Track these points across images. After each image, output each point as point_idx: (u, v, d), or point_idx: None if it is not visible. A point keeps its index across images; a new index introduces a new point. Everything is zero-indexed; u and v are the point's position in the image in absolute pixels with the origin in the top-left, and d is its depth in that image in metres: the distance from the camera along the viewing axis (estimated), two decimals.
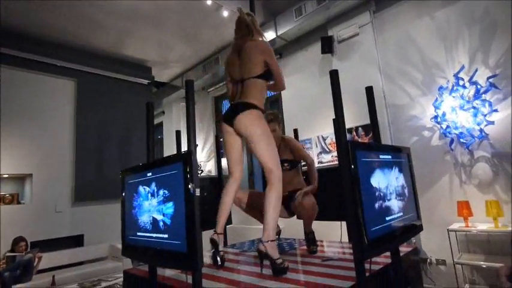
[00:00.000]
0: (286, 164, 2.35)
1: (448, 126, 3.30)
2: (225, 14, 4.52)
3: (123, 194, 1.85)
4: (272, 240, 1.67)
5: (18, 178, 4.74)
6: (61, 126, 4.95)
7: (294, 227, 3.08)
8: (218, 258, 1.86)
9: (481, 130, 3.08)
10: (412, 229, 1.68)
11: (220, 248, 1.94)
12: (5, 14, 4.16)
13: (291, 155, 2.41)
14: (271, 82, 2.01)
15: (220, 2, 4.32)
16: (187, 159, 1.36)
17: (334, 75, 1.49)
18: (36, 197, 4.56)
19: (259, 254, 1.68)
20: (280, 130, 2.50)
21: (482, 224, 3.01)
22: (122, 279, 2.86)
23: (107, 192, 4.89)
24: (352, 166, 1.29)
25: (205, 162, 6.48)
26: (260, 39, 1.96)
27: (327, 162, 4.43)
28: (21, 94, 4.62)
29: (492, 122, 3.03)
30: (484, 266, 2.85)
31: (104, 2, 4.14)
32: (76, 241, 4.82)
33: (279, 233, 2.79)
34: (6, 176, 4.54)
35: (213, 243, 1.85)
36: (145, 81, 6.00)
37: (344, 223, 2.45)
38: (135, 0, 4.16)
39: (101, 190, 4.94)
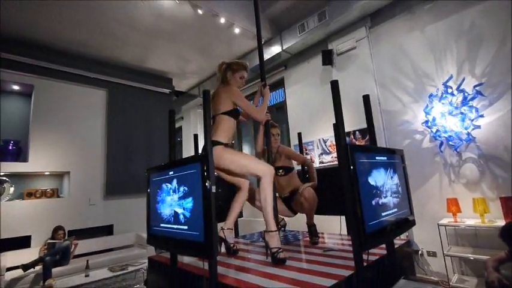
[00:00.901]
0: (281, 171, 2.38)
1: (438, 130, 3.24)
2: (237, 31, 4.55)
3: (148, 189, 1.87)
4: (271, 231, 1.69)
5: (57, 175, 4.85)
6: (94, 130, 5.05)
7: (298, 221, 3.07)
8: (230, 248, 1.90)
9: (468, 134, 3.01)
10: (406, 223, 1.65)
11: (232, 239, 1.96)
12: (42, 29, 4.28)
13: (286, 161, 2.43)
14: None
15: (232, 20, 4.34)
16: (204, 160, 1.37)
17: (334, 85, 1.48)
18: (73, 191, 4.66)
19: (265, 243, 1.71)
20: (278, 140, 2.50)
21: (469, 220, 2.94)
22: (146, 264, 2.90)
23: (133, 187, 4.98)
24: (352, 166, 1.28)
25: None
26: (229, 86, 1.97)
27: (328, 162, 4.40)
28: (59, 102, 4.74)
29: (478, 126, 2.96)
30: (472, 258, 2.78)
31: (130, 21, 4.21)
32: (107, 230, 4.90)
33: (284, 225, 2.78)
34: (48, 173, 4.66)
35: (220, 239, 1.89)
36: (167, 91, 6.07)
37: (343, 217, 2.42)
38: (156, 18, 4.22)
39: (128, 186, 5.02)
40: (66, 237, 4.04)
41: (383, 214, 1.43)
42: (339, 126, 1.45)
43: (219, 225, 1.68)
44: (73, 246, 3.93)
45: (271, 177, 1.76)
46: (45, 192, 4.54)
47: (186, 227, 1.43)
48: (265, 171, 1.75)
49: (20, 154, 4.53)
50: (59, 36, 4.44)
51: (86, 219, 4.66)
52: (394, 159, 1.73)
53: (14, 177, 4.38)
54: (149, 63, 5.57)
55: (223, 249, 2.00)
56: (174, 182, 1.56)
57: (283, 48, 4.78)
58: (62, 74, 4.77)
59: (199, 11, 4.04)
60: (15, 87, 4.65)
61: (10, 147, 4.44)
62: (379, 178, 1.47)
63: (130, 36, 4.59)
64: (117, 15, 4.09)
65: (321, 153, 4.51)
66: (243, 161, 1.80)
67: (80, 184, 4.72)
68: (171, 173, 1.60)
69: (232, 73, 2.03)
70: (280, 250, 1.66)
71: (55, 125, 4.63)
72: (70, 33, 4.39)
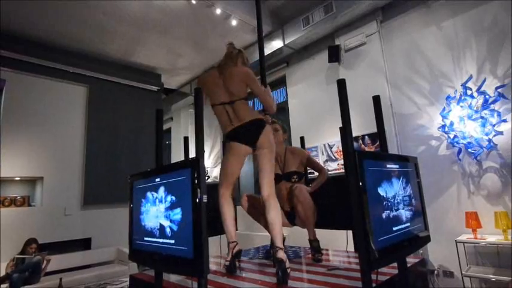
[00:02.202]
0: (295, 176, 2.35)
1: (455, 136, 3.25)
2: (234, 23, 4.58)
3: (131, 199, 1.86)
4: (281, 248, 1.71)
5: (29, 181, 4.82)
6: (72, 131, 5.03)
7: (300, 236, 3.05)
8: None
9: (489, 140, 3.03)
10: (420, 240, 1.64)
11: (226, 256, 1.94)
12: (17, 19, 4.28)
13: (301, 167, 2.40)
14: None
15: (228, 11, 4.38)
16: (195, 165, 1.36)
17: (341, 85, 1.49)
18: (46, 199, 4.62)
19: (278, 262, 1.65)
20: (285, 140, 2.51)
21: (491, 236, 2.94)
22: (128, 283, 2.86)
23: (115, 196, 4.94)
24: (359, 175, 1.28)
25: (212, 168, 6.49)
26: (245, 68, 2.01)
27: (333, 170, 4.40)
28: (34, 99, 4.73)
29: (501, 132, 2.98)
30: (494, 279, 2.77)
31: (115, 10, 4.23)
32: (84, 244, 4.85)
33: (283, 240, 2.76)
34: (18, 178, 4.62)
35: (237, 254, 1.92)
36: (155, 88, 6.08)
37: (350, 232, 2.41)
38: (146, 9, 4.24)
39: (109, 194, 4.98)
40: (38, 252, 3.99)
41: (394, 229, 1.43)
42: (346, 130, 1.45)
43: (212, 239, 1.67)
44: (45, 262, 3.89)
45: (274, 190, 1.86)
46: (15, 200, 4.50)
47: (173, 241, 1.42)
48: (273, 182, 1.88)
49: None
50: (34, 25, 4.45)
51: (61, 231, 4.62)
52: (407, 167, 1.73)
53: None
54: (136, 57, 5.58)
55: (214, 267, 1.98)
56: (161, 190, 1.55)
57: (286, 42, 4.82)
58: (37, 67, 4.76)
59: (193, 1, 4.07)
60: None
61: None
62: (390, 189, 1.48)
63: (116, 27, 4.60)
64: (102, 4, 4.10)
65: (326, 160, 4.51)
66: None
67: (54, 191, 4.68)
68: (157, 180, 1.60)
69: (244, 63, 2.05)
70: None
71: (28, 125, 4.61)
72: (48, 22, 4.40)
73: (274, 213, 1.78)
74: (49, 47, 4.90)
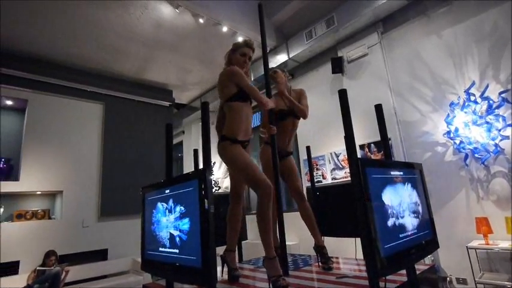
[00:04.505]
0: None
1: (461, 142, 3.18)
2: (240, 39, 4.65)
3: (143, 210, 1.87)
4: (270, 258, 1.64)
5: (50, 195, 4.91)
6: (89, 146, 5.14)
7: (310, 243, 3.00)
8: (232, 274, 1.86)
9: (496, 145, 2.95)
10: (428, 246, 1.59)
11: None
12: (37, 42, 4.47)
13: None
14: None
15: (235, 28, 4.46)
16: (202, 176, 1.37)
17: (342, 95, 1.49)
18: (65, 212, 4.69)
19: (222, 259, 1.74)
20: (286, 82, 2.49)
21: (504, 242, 2.82)
22: None
23: (130, 208, 4.97)
24: (363, 182, 1.26)
25: (223, 179, 6.49)
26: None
27: (341, 178, 4.34)
28: (53, 117, 4.86)
29: (507, 137, 2.90)
30: (509, 286, 2.64)
31: (127, 31, 4.37)
32: (101, 255, 4.87)
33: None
34: (40, 192, 4.72)
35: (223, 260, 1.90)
36: (167, 103, 6.19)
37: (359, 239, 2.36)
38: (156, 29, 4.37)
39: (124, 206, 5.03)
40: (57, 263, 4.03)
41: (401, 236, 1.39)
42: (349, 138, 1.44)
43: (219, 249, 1.66)
44: (64, 273, 3.91)
45: (271, 194, 1.70)
46: (36, 213, 4.58)
47: (182, 251, 1.42)
48: (266, 186, 1.68)
49: (10, 172, 4.62)
50: (54, 49, 4.63)
51: (79, 242, 4.66)
52: (412, 174, 1.69)
53: (4, 197, 4.45)
54: (148, 75, 5.72)
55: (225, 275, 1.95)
56: (170, 201, 1.56)
57: (290, 56, 4.86)
58: (57, 87, 4.92)
59: (201, 20, 4.18)
60: (8, 102, 4.82)
61: (1, 165, 4.55)
62: (395, 196, 1.44)
63: (129, 47, 4.75)
64: (115, 27, 4.26)
65: (333, 169, 4.46)
66: (244, 166, 1.73)
67: (73, 204, 4.76)
68: (167, 191, 1.61)
69: (233, 53, 2.00)
70: (282, 278, 1.60)
71: (48, 141, 4.74)
72: (66, 45, 4.57)
73: (262, 216, 1.70)
74: (67, 68, 5.08)
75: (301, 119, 2.46)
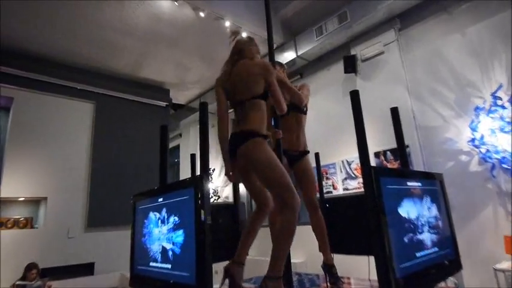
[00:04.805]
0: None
1: (488, 151, 3.15)
2: (244, 35, 4.69)
3: (134, 220, 1.87)
4: (278, 277, 1.48)
5: (33, 201, 4.93)
6: (78, 149, 5.16)
7: (318, 261, 2.97)
8: None
9: None
10: (449, 267, 1.56)
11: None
12: (24, 37, 4.53)
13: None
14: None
15: (238, 24, 4.50)
16: (198, 184, 1.36)
17: (355, 96, 1.48)
18: (49, 221, 4.70)
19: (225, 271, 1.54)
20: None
21: None
22: None
23: (120, 218, 4.94)
24: (376, 193, 1.25)
25: (223, 188, 6.48)
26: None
27: (353, 189, 4.31)
28: (40, 117, 4.90)
29: None
30: None
31: (123, 25, 4.42)
32: (87, 269, 4.86)
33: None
34: (22, 199, 4.74)
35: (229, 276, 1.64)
36: (163, 104, 6.22)
37: (373, 258, 2.33)
38: (154, 23, 4.41)
39: (114, 216, 5.01)
40: (39, 278, 4.02)
41: (418, 254, 1.36)
42: (361, 144, 1.43)
43: (216, 266, 1.62)
44: None
45: (298, 209, 1.56)
46: (18, 221, 4.60)
47: (174, 266, 1.41)
48: (294, 199, 1.54)
49: None
50: (42, 43, 4.70)
51: (63, 255, 4.66)
52: (431, 185, 1.67)
53: None
54: (144, 73, 5.77)
55: None
56: (163, 210, 1.55)
57: (298, 54, 4.88)
58: (44, 85, 4.97)
59: (201, 14, 4.22)
60: None
61: None
62: (413, 209, 1.42)
63: (123, 42, 4.80)
64: (109, 20, 4.31)
65: (345, 178, 4.43)
66: (280, 171, 1.58)
67: (58, 212, 4.76)
68: (160, 199, 1.60)
69: (256, 50, 1.91)
70: None
71: (34, 143, 4.78)
72: (55, 40, 4.64)
73: (284, 232, 1.54)
74: (56, 64, 5.14)
75: (307, 116, 2.42)
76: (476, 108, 3.29)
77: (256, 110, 1.70)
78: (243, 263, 1.64)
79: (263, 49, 5.39)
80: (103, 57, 5.15)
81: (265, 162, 1.60)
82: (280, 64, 2.55)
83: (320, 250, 2.20)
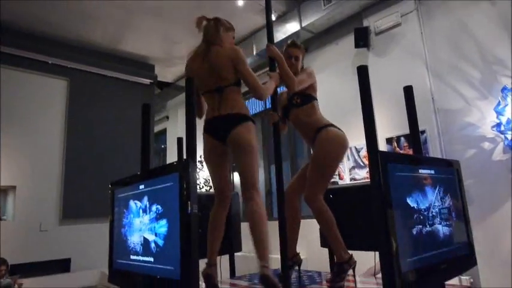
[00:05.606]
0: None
1: None
2: (240, 3, 4.63)
3: (112, 210, 1.90)
4: (266, 266, 1.69)
5: (0, 190, 4.96)
6: (50, 132, 5.17)
7: (320, 258, 3.03)
8: None
9: None
10: (462, 262, 1.61)
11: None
12: None
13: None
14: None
15: None
16: (184, 169, 1.38)
17: (362, 72, 1.49)
18: (19, 213, 4.75)
19: (265, 281, 1.64)
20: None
21: None
22: None
23: (99, 209, 4.95)
24: (383, 180, 1.27)
25: None
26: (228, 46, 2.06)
27: (362, 179, 4.35)
28: (7, 96, 4.85)
29: None
30: None
31: None
32: (62, 266, 4.94)
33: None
34: None
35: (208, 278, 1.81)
36: (147, 81, 6.20)
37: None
38: None
39: (93, 206, 5.04)
40: (8, 275, 4.09)
41: (428, 247, 1.40)
42: (368, 126, 1.45)
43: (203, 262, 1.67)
44: (16, 286, 3.98)
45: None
46: None
47: (157, 260, 1.44)
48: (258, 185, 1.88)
49: None
50: (6, 11, 4.61)
51: (35, 250, 4.73)
52: (446, 173, 1.70)
53: None
54: (125, 46, 5.71)
55: None
56: (145, 198, 1.58)
57: (303, 25, 4.83)
58: (10, 58, 4.91)
59: None
60: None
61: None
62: (424, 199, 1.45)
63: (101, 10, 4.73)
64: None
65: (353, 167, 4.47)
66: (257, 159, 1.90)
67: (28, 203, 4.81)
68: (141, 187, 1.63)
69: (226, 30, 2.10)
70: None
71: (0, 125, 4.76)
72: (22, 7, 4.56)
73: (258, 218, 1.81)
74: (23, 34, 5.07)
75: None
76: (504, 89, 3.29)
77: (235, 96, 1.94)
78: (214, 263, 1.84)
79: (261, 19, 5.34)
80: (77, 26, 5.09)
81: (254, 148, 1.88)
82: (293, 45, 2.53)
83: None
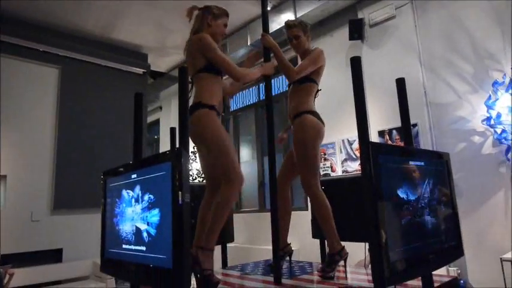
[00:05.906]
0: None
1: (503, 131, 3.21)
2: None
3: (105, 199, 1.90)
4: (208, 249, 1.78)
5: None
6: (42, 121, 5.11)
7: (311, 249, 3.07)
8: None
9: None
10: (450, 253, 1.65)
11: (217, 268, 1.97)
12: None
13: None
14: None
15: None
16: (177, 157, 1.38)
17: (355, 63, 1.50)
18: (9, 202, 4.71)
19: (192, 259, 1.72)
20: (309, 41, 2.52)
21: None
22: None
23: (92, 199, 4.95)
24: (373, 171, 1.29)
25: None
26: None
27: (354, 171, 4.40)
28: None
29: None
30: None
31: None
32: (54, 256, 4.94)
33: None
34: None
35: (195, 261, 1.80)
36: (140, 71, 6.14)
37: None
38: None
39: (85, 196, 5.03)
40: None
41: (416, 238, 1.43)
42: (360, 117, 1.46)
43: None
44: (7, 276, 3.97)
45: (240, 188, 1.91)
46: None
47: (149, 249, 1.45)
48: (236, 176, 1.85)
49: None
50: None
51: (27, 240, 4.71)
52: (436, 165, 1.73)
53: None
54: (117, 34, 5.64)
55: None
56: (137, 188, 1.58)
57: (298, 16, 4.80)
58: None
59: None
60: None
61: None
62: (413, 190, 1.48)
63: None
64: None
65: (345, 159, 4.51)
66: (225, 148, 1.87)
67: (19, 192, 4.77)
68: (133, 176, 1.63)
69: (215, 19, 2.10)
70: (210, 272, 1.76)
71: None
72: None
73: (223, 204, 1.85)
74: (13, 20, 4.97)
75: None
76: (495, 83, 3.32)
77: (201, 83, 1.96)
78: (212, 249, 1.83)
79: (256, 9, 5.32)
80: (69, 13, 5.00)
81: (210, 135, 1.87)
82: (287, 26, 2.54)
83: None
